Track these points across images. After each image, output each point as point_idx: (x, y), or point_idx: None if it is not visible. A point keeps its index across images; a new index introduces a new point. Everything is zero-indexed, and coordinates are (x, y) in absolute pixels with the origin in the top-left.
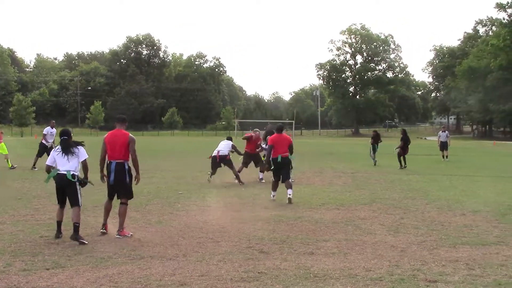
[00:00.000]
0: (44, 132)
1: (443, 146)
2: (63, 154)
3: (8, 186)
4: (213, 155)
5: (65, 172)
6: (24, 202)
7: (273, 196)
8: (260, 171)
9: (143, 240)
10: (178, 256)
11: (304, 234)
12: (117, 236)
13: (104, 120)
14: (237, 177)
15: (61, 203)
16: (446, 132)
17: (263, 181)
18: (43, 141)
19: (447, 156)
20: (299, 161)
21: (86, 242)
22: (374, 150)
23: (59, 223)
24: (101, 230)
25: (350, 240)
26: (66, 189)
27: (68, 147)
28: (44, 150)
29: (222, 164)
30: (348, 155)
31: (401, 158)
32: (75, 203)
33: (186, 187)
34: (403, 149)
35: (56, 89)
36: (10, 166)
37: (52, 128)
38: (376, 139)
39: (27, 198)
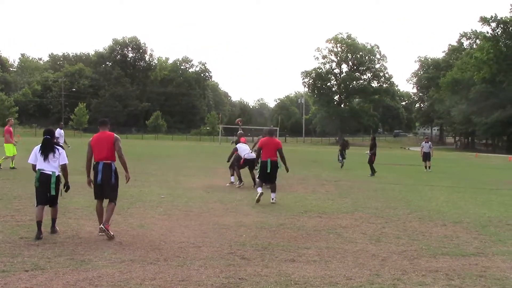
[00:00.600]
0: (57, 135)
1: (426, 156)
2: (45, 153)
3: None
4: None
5: (51, 173)
6: (4, 202)
7: (260, 190)
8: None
9: (124, 243)
10: (159, 261)
11: (285, 241)
12: (101, 227)
13: (88, 122)
14: (254, 180)
15: (43, 202)
16: (429, 143)
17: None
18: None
19: (429, 167)
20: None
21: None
22: (343, 156)
23: (39, 224)
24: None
25: (332, 248)
26: (50, 189)
27: (51, 147)
28: None
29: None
30: (332, 163)
31: (372, 165)
32: (55, 202)
33: (169, 191)
34: (374, 156)
35: (40, 90)
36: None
37: (61, 129)
38: (344, 146)
39: (7, 198)
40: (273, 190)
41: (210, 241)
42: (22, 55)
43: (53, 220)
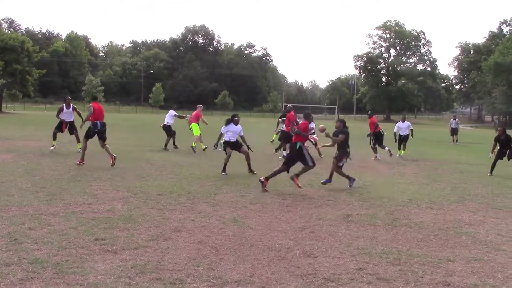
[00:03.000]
0: (168, 118)
1: (454, 131)
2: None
3: (70, 165)
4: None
5: None
6: (83, 185)
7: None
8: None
9: (220, 250)
10: (271, 283)
11: (417, 248)
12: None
13: (163, 100)
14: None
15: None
16: (457, 119)
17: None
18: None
19: (457, 140)
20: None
21: None
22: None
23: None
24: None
25: (481, 260)
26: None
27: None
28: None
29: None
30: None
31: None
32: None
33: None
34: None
35: (121, 72)
36: (204, 147)
37: (174, 110)
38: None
39: (87, 180)
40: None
41: (325, 246)
42: (110, 42)
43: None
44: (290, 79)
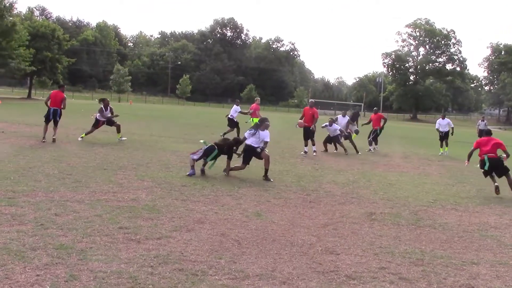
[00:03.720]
0: (232, 112)
1: (482, 133)
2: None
3: (96, 153)
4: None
5: None
6: (108, 173)
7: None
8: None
9: (242, 243)
10: (293, 278)
11: (440, 249)
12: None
13: (190, 92)
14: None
15: None
16: (485, 121)
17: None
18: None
19: None
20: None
21: None
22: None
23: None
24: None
25: (506, 264)
26: None
27: None
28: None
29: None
30: (421, 140)
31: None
32: None
33: (274, 166)
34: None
35: (149, 62)
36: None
37: (237, 106)
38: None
39: (112, 168)
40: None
41: (347, 244)
42: (140, 32)
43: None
44: (317, 74)
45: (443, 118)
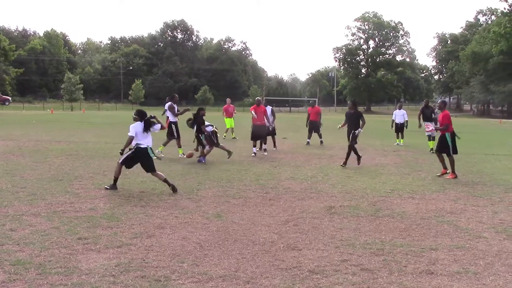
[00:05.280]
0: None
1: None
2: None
3: (50, 164)
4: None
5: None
6: (64, 184)
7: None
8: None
9: (204, 245)
10: (256, 277)
11: (400, 238)
12: None
13: (144, 97)
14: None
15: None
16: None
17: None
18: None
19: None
20: (329, 137)
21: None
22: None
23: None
24: None
25: (463, 248)
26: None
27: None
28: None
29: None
30: (376, 131)
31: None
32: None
33: (236, 167)
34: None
35: (100, 69)
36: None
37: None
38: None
39: (68, 179)
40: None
41: (309, 239)
42: (88, 39)
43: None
44: (270, 72)
45: (399, 109)
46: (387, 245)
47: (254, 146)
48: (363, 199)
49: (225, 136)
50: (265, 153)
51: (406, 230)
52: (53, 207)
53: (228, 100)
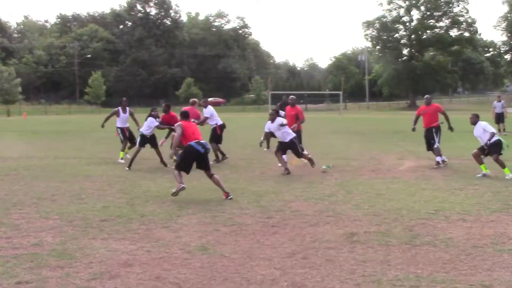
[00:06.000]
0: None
1: (499, 118)
2: None
3: None
4: None
5: None
6: None
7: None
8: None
9: None
10: None
11: (441, 272)
12: None
13: (106, 95)
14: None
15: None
16: (502, 101)
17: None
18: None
19: (504, 129)
20: (363, 142)
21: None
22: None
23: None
24: None
25: None
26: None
27: None
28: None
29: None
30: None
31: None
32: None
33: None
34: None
35: (46, 58)
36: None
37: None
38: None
39: (3, 207)
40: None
41: (320, 275)
42: (26, 17)
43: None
44: (279, 58)
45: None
46: (424, 281)
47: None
48: (396, 222)
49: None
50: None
51: (452, 261)
52: None
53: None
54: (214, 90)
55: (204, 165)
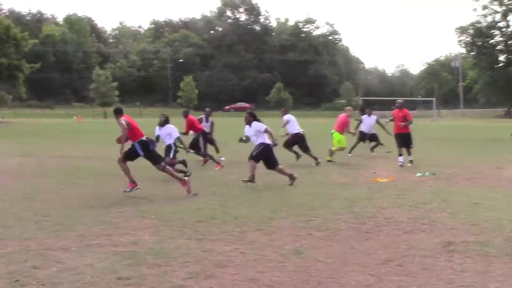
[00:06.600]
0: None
1: None
2: None
3: (79, 187)
4: None
5: None
6: (98, 212)
7: None
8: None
9: None
10: None
11: None
12: None
13: (198, 98)
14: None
15: None
16: None
17: None
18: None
19: None
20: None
21: None
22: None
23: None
24: None
25: None
26: None
27: None
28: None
29: None
30: None
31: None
32: None
33: (316, 188)
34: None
35: (140, 63)
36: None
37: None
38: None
39: (103, 205)
40: None
41: (417, 283)
42: (121, 23)
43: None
44: (368, 64)
45: None
46: None
47: (401, 154)
48: (496, 233)
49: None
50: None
51: None
52: (85, 240)
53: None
54: (304, 95)
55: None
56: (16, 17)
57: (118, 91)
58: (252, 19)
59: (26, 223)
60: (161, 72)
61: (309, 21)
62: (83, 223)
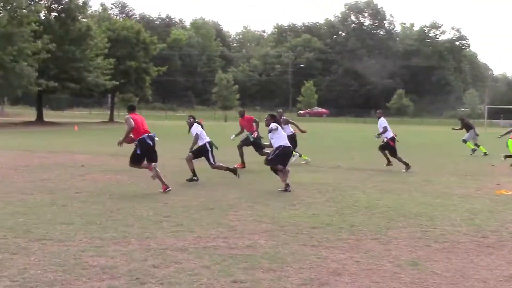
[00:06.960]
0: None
1: None
2: None
3: (199, 189)
4: None
5: None
6: (216, 214)
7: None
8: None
9: None
10: None
11: None
12: None
13: (317, 103)
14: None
15: None
16: None
17: None
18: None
19: None
20: None
21: None
22: None
23: None
24: None
25: None
26: None
27: None
28: None
29: None
30: None
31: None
32: None
33: (435, 200)
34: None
35: (261, 68)
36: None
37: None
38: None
39: (221, 208)
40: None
41: None
42: (245, 28)
43: None
44: (497, 70)
45: None
46: None
47: None
48: None
49: None
50: None
51: None
52: (202, 242)
53: None
54: (427, 102)
55: None
56: (146, 22)
57: (239, 95)
58: (376, 24)
59: (147, 223)
60: (282, 76)
61: (435, 26)
62: (201, 225)
